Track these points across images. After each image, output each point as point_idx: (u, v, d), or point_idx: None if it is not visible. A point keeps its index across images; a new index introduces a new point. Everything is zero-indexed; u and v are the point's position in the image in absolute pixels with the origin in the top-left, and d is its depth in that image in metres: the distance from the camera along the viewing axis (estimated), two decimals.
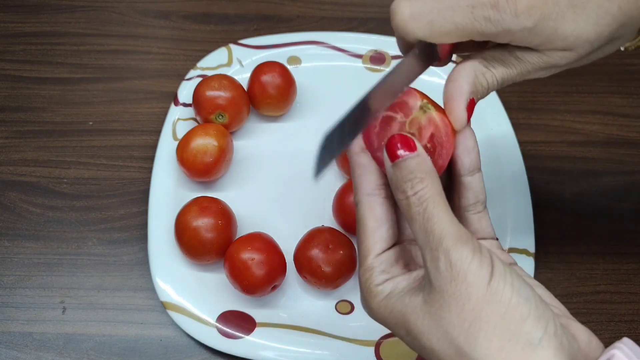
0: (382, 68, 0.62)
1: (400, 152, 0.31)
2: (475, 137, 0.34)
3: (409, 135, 0.32)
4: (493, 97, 0.60)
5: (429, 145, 0.33)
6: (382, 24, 0.66)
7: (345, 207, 0.51)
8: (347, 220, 0.51)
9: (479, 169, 0.34)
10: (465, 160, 0.34)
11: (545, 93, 0.63)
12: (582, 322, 0.33)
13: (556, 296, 0.33)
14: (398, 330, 0.31)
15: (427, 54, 0.34)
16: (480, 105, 0.59)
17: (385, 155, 0.32)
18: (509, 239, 0.52)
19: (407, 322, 0.30)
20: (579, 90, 0.63)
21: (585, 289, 0.53)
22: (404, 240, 0.35)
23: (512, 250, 0.52)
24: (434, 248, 0.28)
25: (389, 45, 0.62)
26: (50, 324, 0.50)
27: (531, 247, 0.52)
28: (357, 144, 0.34)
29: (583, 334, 0.29)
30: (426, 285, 0.29)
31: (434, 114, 0.33)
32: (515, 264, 0.34)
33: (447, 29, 0.32)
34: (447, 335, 0.28)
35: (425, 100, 0.34)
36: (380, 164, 0.33)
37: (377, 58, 0.62)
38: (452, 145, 0.33)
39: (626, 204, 0.57)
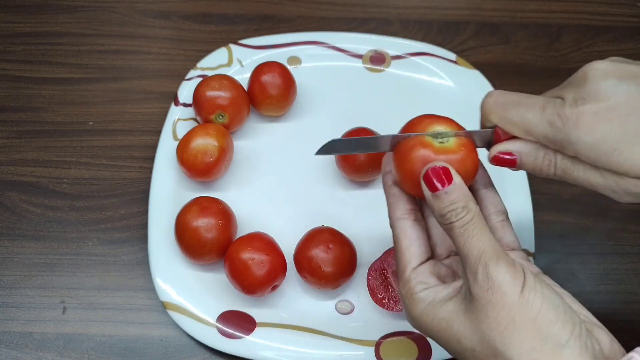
0: (382, 68, 0.62)
1: (439, 184, 0.34)
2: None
3: (444, 165, 0.34)
4: None
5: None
6: (382, 24, 0.66)
7: None
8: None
9: (492, 185, 0.39)
10: (477, 178, 0.39)
11: None
12: None
13: None
14: (440, 336, 0.34)
15: (485, 137, 0.38)
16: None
17: (424, 186, 0.34)
18: None
19: (450, 327, 0.33)
20: None
21: (585, 289, 0.53)
22: (437, 258, 0.39)
23: None
24: (474, 262, 0.32)
25: (389, 45, 0.62)
26: (50, 324, 0.50)
27: (531, 247, 0.52)
28: (390, 177, 0.39)
29: (606, 339, 0.32)
30: (466, 294, 0.33)
31: (451, 140, 0.36)
32: (541, 273, 0.37)
33: (515, 119, 0.35)
34: (485, 337, 0.31)
35: (443, 127, 0.36)
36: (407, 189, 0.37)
37: (377, 58, 0.62)
38: (475, 167, 0.36)
39: (626, 204, 0.57)
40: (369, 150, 0.39)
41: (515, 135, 0.36)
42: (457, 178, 0.34)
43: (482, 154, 0.38)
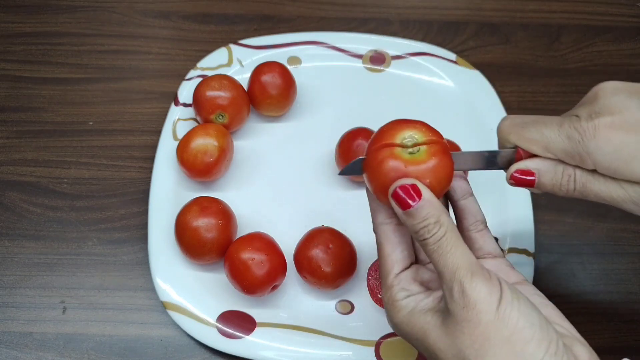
0: (382, 68, 0.62)
1: (408, 201, 0.33)
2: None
3: (413, 181, 0.33)
4: (493, 97, 0.60)
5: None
6: (382, 24, 0.66)
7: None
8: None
9: (471, 194, 0.39)
10: (456, 189, 0.39)
11: (545, 93, 0.63)
12: (582, 322, 0.34)
13: (556, 296, 0.35)
14: (418, 344, 0.34)
15: (506, 158, 0.38)
16: (480, 106, 0.60)
17: (393, 204, 0.34)
18: (509, 239, 0.52)
19: (427, 338, 0.33)
20: (578, 90, 0.63)
21: (586, 289, 0.53)
22: (421, 262, 0.39)
23: (512, 250, 0.52)
24: (449, 279, 0.32)
25: (389, 45, 0.62)
26: (50, 323, 0.50)
27: (531, 247, 0.52)
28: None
29: (585, 354, 0.32)
30: (444, 308, 0.33)
31: (424, 152, 0.34)
32: (525, 281, 0.37)
33: (534, 137, 0.36)
34: (460, 353, 0.32)
35: (414, 132, 0.35)
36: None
37: (377, 58, 0.62)
38: (448, 174, 0.35)
39: None
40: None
41: (535, 155, 0.37)
42: (426, 193, 0.33)
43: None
